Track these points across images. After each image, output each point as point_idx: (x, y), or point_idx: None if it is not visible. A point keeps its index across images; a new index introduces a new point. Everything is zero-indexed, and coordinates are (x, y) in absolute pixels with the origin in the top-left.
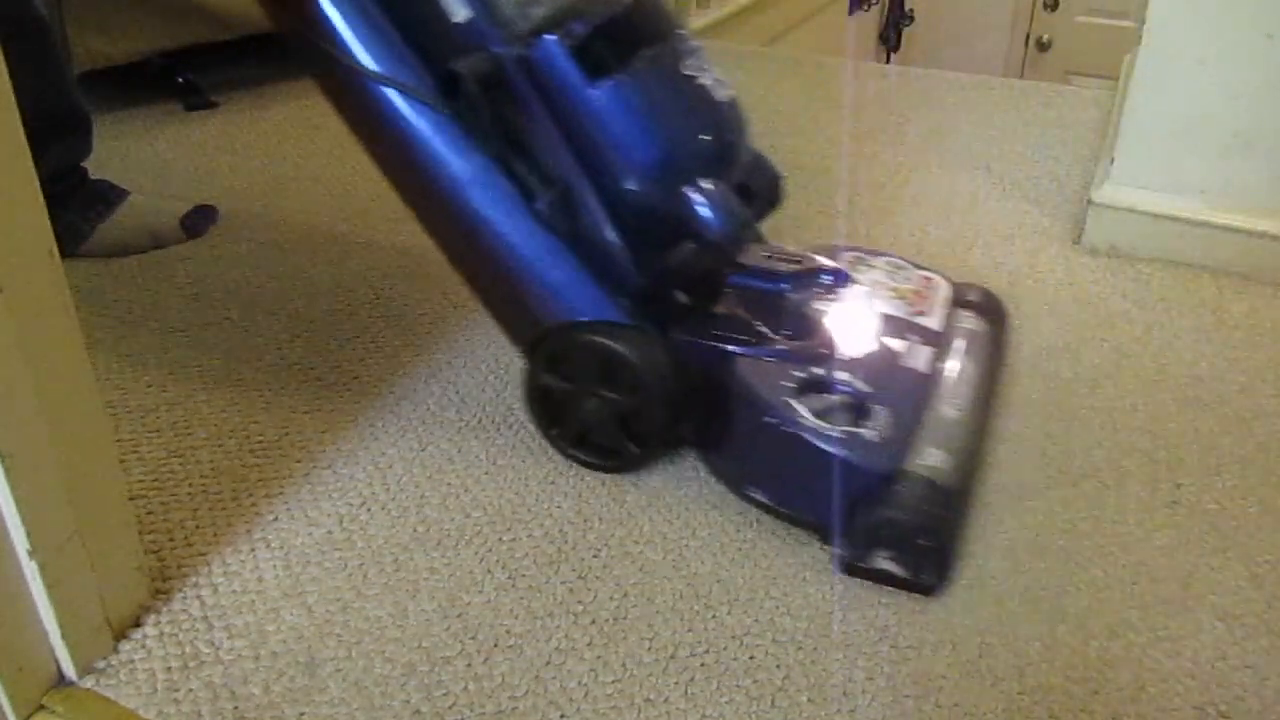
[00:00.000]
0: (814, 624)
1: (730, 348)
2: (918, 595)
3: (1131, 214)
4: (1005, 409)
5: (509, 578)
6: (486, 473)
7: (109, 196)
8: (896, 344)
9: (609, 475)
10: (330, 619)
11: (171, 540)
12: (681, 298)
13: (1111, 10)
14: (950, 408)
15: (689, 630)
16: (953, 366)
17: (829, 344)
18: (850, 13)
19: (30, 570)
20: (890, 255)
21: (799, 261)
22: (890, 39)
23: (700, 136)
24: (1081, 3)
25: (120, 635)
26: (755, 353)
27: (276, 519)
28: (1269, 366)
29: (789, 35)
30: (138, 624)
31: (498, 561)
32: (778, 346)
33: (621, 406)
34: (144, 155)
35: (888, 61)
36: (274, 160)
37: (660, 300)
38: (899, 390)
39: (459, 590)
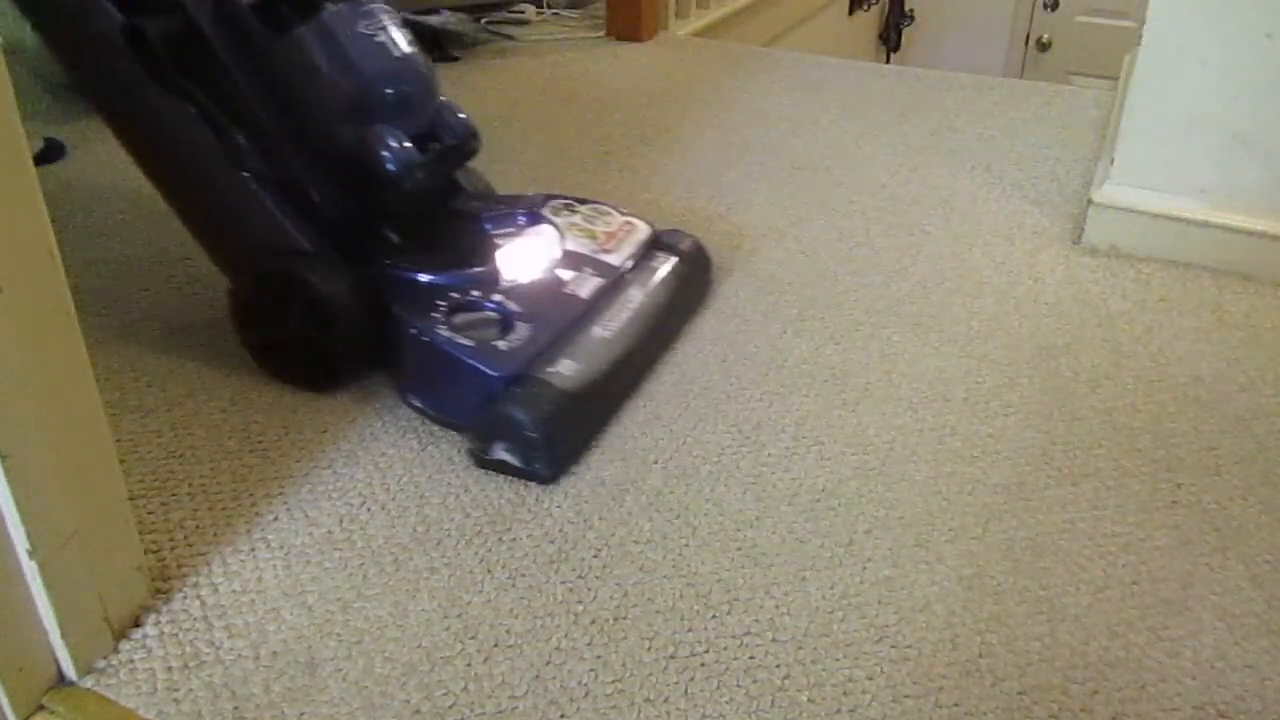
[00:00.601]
0: (814, 624)
1: (398, 273)
2: (915, 595)
3: (1131, 214)
4: (1005, 409)
5: (509, 578)
6: (486, 473)
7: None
8: (568, 274)
9: (609, 475)
10: (330, 619)
11: (171, 540)
12: (392, 236)
13: (1111, 10)
14: (601, 329)
15: (689, 630)
16: (627, 296)
17: (493, 271)
18: (850, 13)
19: (30, 570)
20: (599, 203)
21: (500, 208)
22: (890, 39)
23: (377, 86)
24: (1081, 3)
25: (120, 635)
26: (416, 277)
27: (276, 519)
28: (1269, 366)
29: (789, 35)
30: (138, 624)
31: (498, 561)
32: (442, 272)
33: (308, 329)
34: None
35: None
36: None
37: (361, 235)
38: (549, 311)
39: (459, 590)
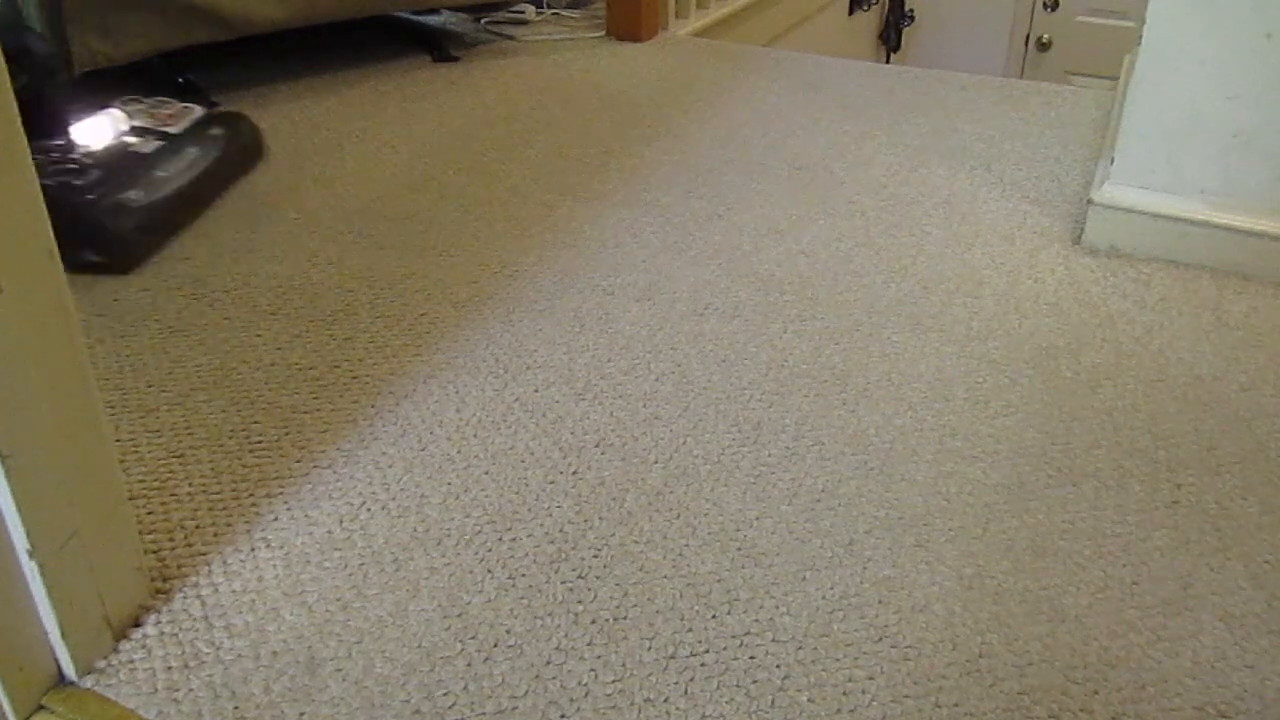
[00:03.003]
0: (814, 624)
1: None
2: (915, 595)
3: (1131, 214)
4: (1005, 409)
5: (509, 578)
6: (486, 473)
7: None
8: (133, 139)
9: (609, 475)
10: (330, 619)
11: (171, 540)
12: None
13: (1111, 10)
14: (161, 171)
15: (689, 630)
16: (177, 151)
17: (70, 141)
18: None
19: (30, 570)
20: (163, 98)
21: (78, 103)
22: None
23: None
24: (1081, 3)
25: (120, 635)
26: None
27: (276, 519)
28: (1269, 366)
29: (789, 35)
30: (138, 624)
31: (498, 561)
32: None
33: None
34: None
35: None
36: (273, 160)
37: None
38: (117, 162)
39: (459, 590)
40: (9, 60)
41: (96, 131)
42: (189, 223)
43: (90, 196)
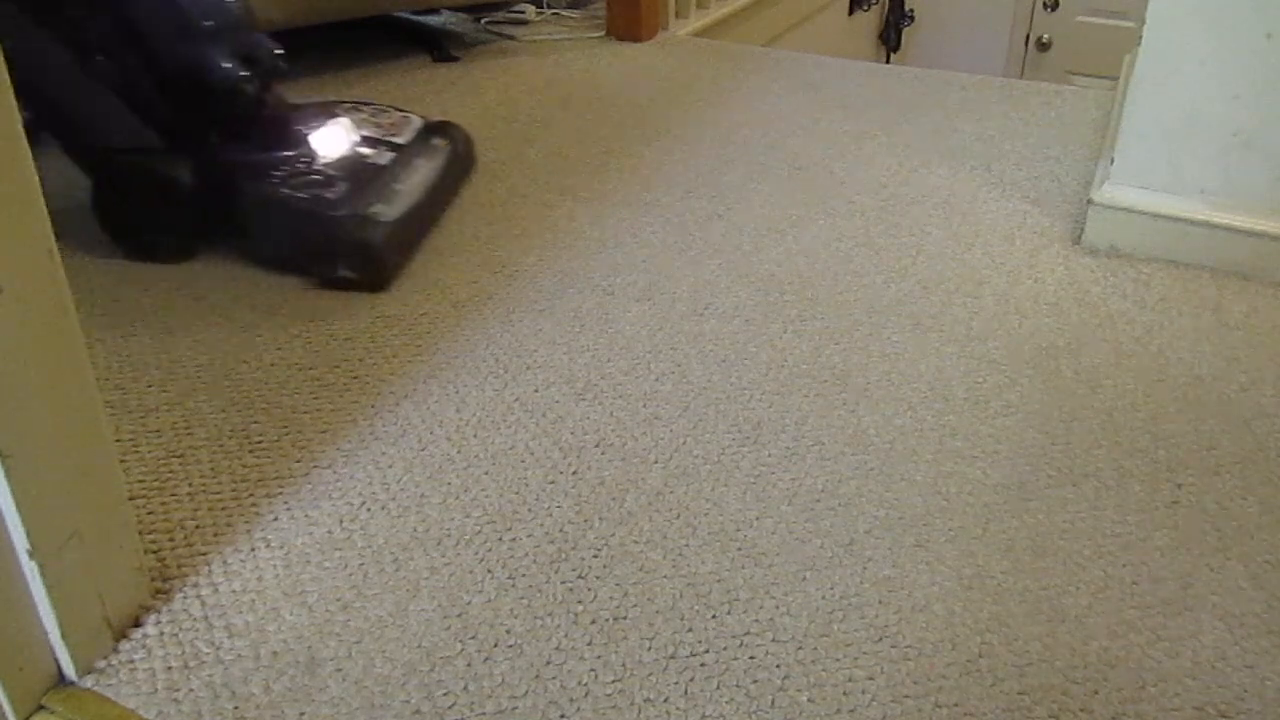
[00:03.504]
0: (814, 624)
1: (236, 158)
2: (915, 595)
3: (1131, 214)
4: (1005, 409)
5: (509, 578)
6: (486, 473)
7: None
8: (367, 150)
9: (609, 475)
10: (330, 619)
11: (171, 540)
12: (214, 136)
13: (1111, 10)
14: (398, 184)
15: (689, 630)
16: (409, 163)
17: (311, 151)
18: (850, 13)
19: (30, 570)
20: (377, 104)
21: (301, 109)
22: (890, 39)
23: (209, 17)
24: (1081, 3)
25: (120, 635)
26: (254, 158)
27: (276, 519)
28: (1269, 366)
29: (789, 35)
30: (138, 624)
31: (498, 561)
32: (273, 154)
33: (158, 208)
34: None
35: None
36: None
37: (193, 134)
38: (359, 174)
39: (459, 590)
40: (244, 62)
41: (332, 141)
42: (424, 239)
43: (344, 211)
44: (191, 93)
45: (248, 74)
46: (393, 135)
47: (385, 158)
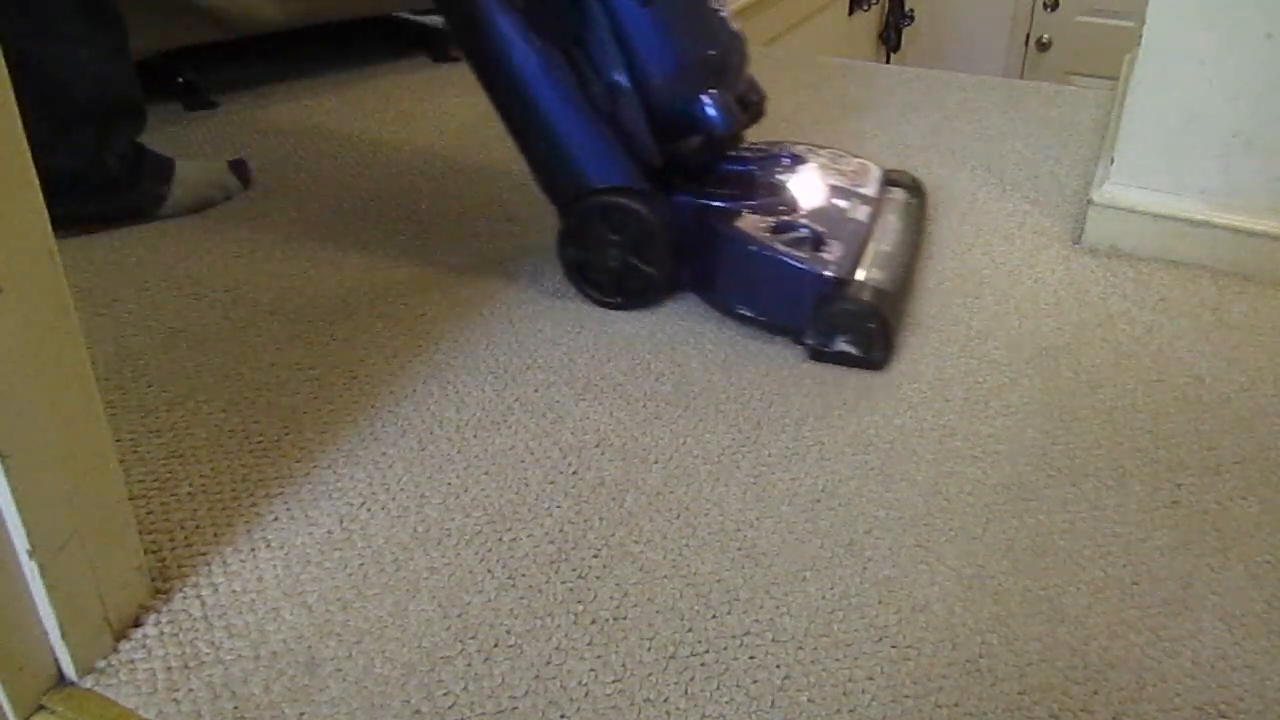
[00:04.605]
0: (814, 624)
1: (720, 204)
2: (915, 595)
3: (1131, 214)
4: (1005, 409)
5: (509, 578)
6: (486, 473)
7: (163, 162)
8: (842, 203)
9: (609, 476)
10: (330, 619)
11: (171, 540)
12: (679, 178)
13: (1111, 10)
14: (883, 244)
15: (689, 630)
16: (884, 220)
17: (791, 201)
18: (850, 13)
19: (30, 570)
20: (833, 148)
21: (764, 151)
22: (890, 39)
23: (713, 54)
24: (1081, 3)
25: (120, 635)
26: (738, 205)
27: (276, 519)
28: (1269, 366)
29: (789, 35)
30: (138, 624)
31: (498, 561)
32: (755, 201)
33: (626, 251)
34: None
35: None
36: (273, 160)
37: (667, 176)
38: (846, 231)
39: (459, 590)
40: (739, 100)
41: (810, 191)
42: (907, 310)
43: (847, 278)
44: (680, 130)
45: (743, 119)
46: (859, 185)
47: (861, 212)
